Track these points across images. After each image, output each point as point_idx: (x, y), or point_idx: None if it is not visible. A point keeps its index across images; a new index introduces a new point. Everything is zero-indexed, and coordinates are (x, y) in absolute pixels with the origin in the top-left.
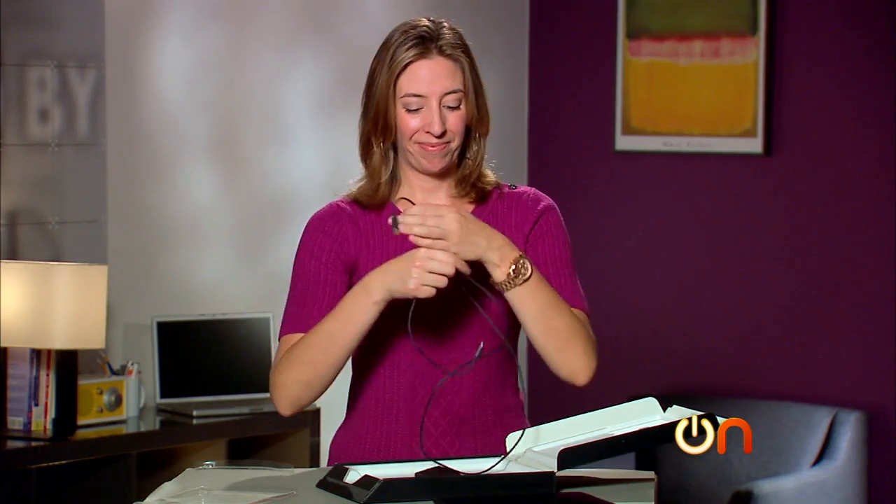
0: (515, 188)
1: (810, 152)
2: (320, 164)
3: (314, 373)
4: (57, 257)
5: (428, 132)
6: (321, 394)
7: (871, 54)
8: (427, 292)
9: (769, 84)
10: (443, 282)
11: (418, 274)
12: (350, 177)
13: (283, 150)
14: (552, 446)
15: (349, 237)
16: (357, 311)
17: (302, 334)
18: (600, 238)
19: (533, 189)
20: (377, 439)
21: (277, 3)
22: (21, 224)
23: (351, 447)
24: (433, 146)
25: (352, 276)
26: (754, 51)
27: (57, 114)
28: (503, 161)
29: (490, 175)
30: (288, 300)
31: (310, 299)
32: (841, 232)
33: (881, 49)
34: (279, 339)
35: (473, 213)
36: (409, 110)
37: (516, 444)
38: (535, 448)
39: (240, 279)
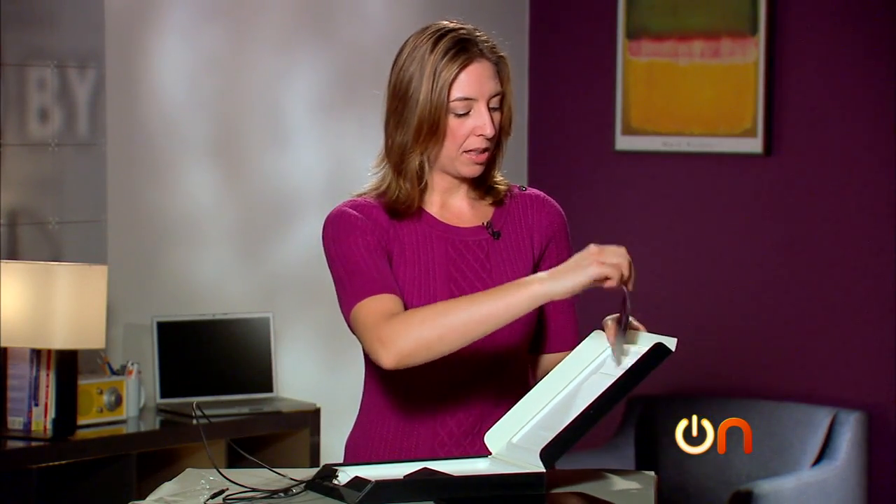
0: (526, 190)
1: (810, 152)
2: (320, 165)
3: (441, 337)
4: (57, 257)
5: (480, 135)
6: (430, 360)
7: (871, 54)
8: (612, 272)
9: (769, 84)
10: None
11: (598, 263)
12: (349, 176)
13: (284, 150)
14: (528, 432)
15: (383, 224)
16: (517, 301)
17: (384, 296)
18: (600, 238)
19: (543, 193)
20: (400, 440)
21: (277, 3)
22: (21, 224)
23: (371, 446)
24: (480, 154)
25: (390, 261)
26: (754, 51)
27: (57, 114)
28: (503, 161)
29: (499, 177)
30: (342, 279)
31: (371, 266)
32: (841, 232)
33: (881, 49)
34: (351, 311)
35: (494, 215)
36: (457, 115)
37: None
38: (513, 440)
39: (240, 279)
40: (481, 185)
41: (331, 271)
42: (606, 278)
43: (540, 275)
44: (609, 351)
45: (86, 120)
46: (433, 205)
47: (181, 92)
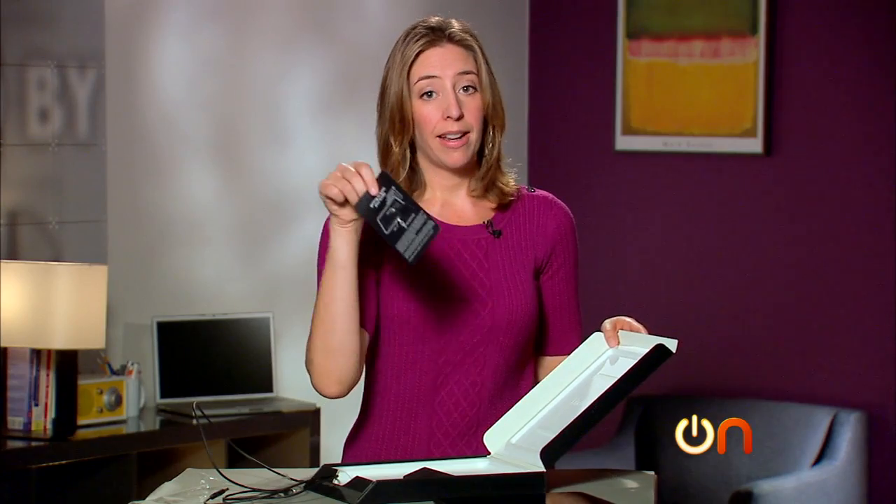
0: (534, 191)
1: (810, 152)
2: (320, 164)
3: (324, 350)
4: (57, 257)
5: (448, 117)
6: (348, 362)
7: (871, 54)
8: (331, 191)
9: (769, 84)
10: (348, 189)
11: (332, 178)
12: None
13: (283, 150)
14: (527, 432)
15: (372, 230)
16: (329, 255)
17: None
18: (600, 238)
19: (551, 194)
20: (397, 439)
21: (277, 3)
22: (21, 224)
23: (369, 447)
24: (453, 139)
25: (378, 270)
26: (754, 51)
27: (57, 114)
28: (506, 159)
29: (510, 179)
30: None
31: None
32: (841, 232)
33: (881, 49)
34: None
35: (497, 214)
36: (423, 96)
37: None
38: (512, 440)
39: (240, 279)
40: (483, 180)
41: None
42: (338, 198)
43: None
44: (609, 353)
45: (86, 120)
46: (434, 203)
47: (181, 92)
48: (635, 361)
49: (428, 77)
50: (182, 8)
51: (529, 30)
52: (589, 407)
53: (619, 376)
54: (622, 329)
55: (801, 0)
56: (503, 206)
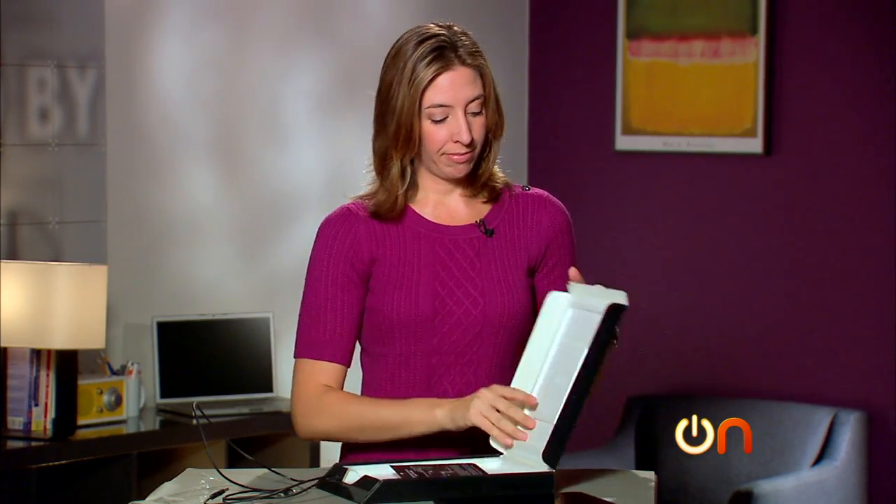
0: (529, 189)
1: (810, 152)
2: (320, 164)
3: (345, 436)
4: (57, 257)
5: (457, 142)
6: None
7: (871, 54)
8: (480, 420)
9: (769, 84)
10: (493, 419)
11: (481, 406)
12: (349, 176)
13: (283, 150)
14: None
15: (361, 237)
16: (418, 421)
17: (323, 365)
18: (600, 238)
19: (546, 192)
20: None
21: (277, 3)
22: (21, 224)
23: (364, 447)
24: (461, 155)
25: (369, 280)
26: (754, 51)
27: (57, 114)
28: (503, 161)
29: (499, 173)
30: (301, 314)
31: (322, 323)
32: (841, 232)
33: (881, 49)
34: (295, 358)
35: (490, 213)
36: (434, 121)
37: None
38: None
39: (240, 279)
40: (474, 183)
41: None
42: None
43: (444, 404)
44: (570, 313)
45: (86, 120)
46: (427, 205)
47: (181, 92)
48: (595, 318)
49: (442, 106)
50: (182, 8)
51: (529, 30)
52: (570, 394)
53: (587, 341)
54: (574, 281)
55: (801, 0)
56: (494, 201)
